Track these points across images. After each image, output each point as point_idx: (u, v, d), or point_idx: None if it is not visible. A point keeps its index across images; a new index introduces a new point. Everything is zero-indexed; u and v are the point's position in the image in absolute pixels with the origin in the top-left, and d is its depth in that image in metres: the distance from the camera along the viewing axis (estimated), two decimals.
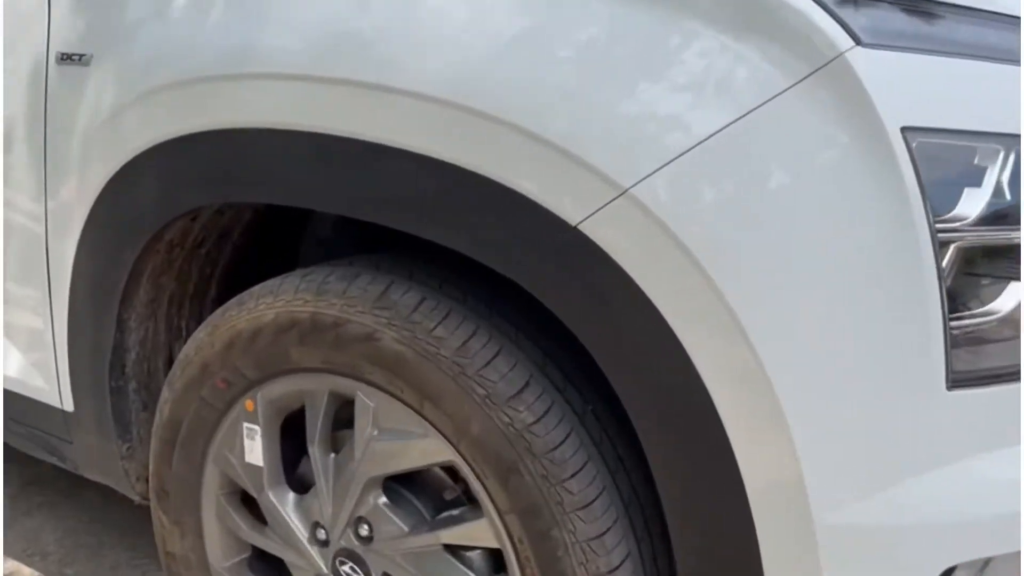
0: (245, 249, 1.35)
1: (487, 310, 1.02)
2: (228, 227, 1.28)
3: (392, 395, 1.02)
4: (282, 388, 1.12)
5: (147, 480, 1.37)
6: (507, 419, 0.94)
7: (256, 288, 1.12)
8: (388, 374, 1.01)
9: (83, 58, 1.17)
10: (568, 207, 0.84)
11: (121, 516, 1.90)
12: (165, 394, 1.21)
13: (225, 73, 1.02)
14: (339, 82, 0.94)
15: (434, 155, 0.89)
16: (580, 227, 0.84)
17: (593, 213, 0.82)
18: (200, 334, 1.17)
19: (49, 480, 2.05)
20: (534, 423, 0.93)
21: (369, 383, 1.03)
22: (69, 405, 1.35)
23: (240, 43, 1.01)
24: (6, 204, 1.32)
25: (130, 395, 1.33)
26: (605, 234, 0.83)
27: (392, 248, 1.31)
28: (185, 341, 1.38)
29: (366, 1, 0.98)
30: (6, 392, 1.43)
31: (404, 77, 0.91)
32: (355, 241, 1.47)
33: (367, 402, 1.05)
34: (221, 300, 1.39)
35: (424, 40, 0.92)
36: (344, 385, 1.07)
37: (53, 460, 1.47)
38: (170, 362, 1.37)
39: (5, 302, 1.38)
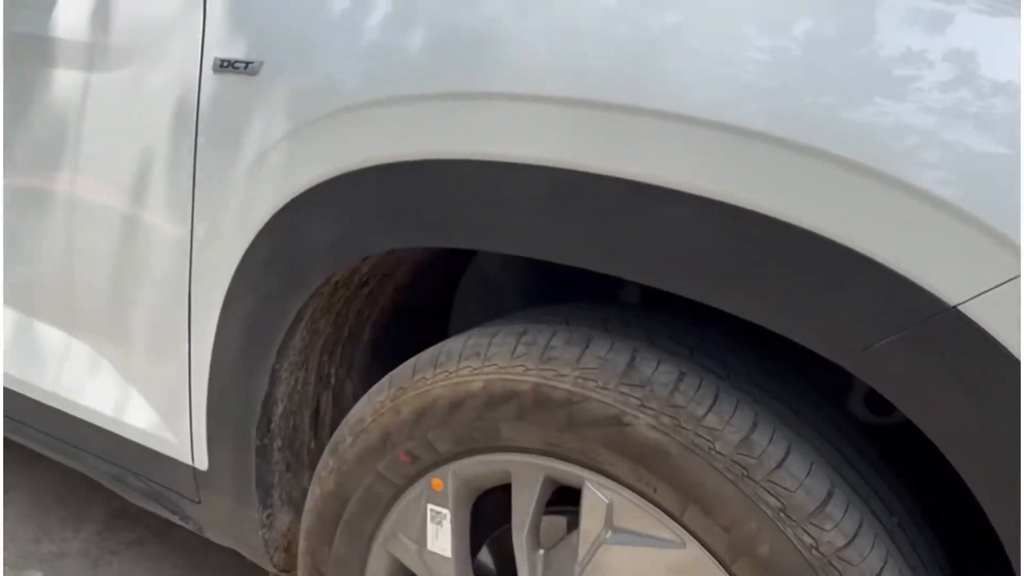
0: (406, 289, 1.17)
1: (756, 391, 0.83)
2: (394, 265, 1.10)
3: (639, 492, 0.83)
4: (481, 467, 0.94)
5: (287, 550, 1.19)
6: (810, 540, 0.74)
7: (453, 346, 0.94)
8: (637, 467, 0.81)
9: (250, 66, 0.98)
10: (947, 283, 0.64)
11: (220, 561, 1.73)
12: (329, 463, 1.03)
13: (461, 91, 0.83)
14: (623, 109, 0.74)
15: (748, 206, 0.70)
16: (961, 308, 0.64)
17: (985, 292, 0.63)
18: (380, 397, 0.98)
19: (137, 515, 1.89)
20: (845, 546, 0.74)
21: (606, 474, 0.84)
22: (202, 463, 1.17)
23: (494, 57, 0.82)
24: (140, 233, 1.14)
25: (274, 454, 1.15)
26: (992, 315, 0.63)
27: (583, 294, 1.12)
28: (333, 391, 1.20)
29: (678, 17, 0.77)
30: (122, 439, 1.25)
31: (709, 105, 0.72)
32: (524, 282, 1.29)
33: (600, 496, 0.85)
34: (373, 345, 1.21)
35: (740, 61, 0.72)
36: (567, 472, 0.88)
37: (172, 518, 1.30)
38: (316, 416, 1.19)
39: (129, 343, 1.20)
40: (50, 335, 1.30)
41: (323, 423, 1.21)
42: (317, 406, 1.19)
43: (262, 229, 1.00)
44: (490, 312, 1.29)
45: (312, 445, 1.20)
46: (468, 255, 1.21)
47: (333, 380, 1.19)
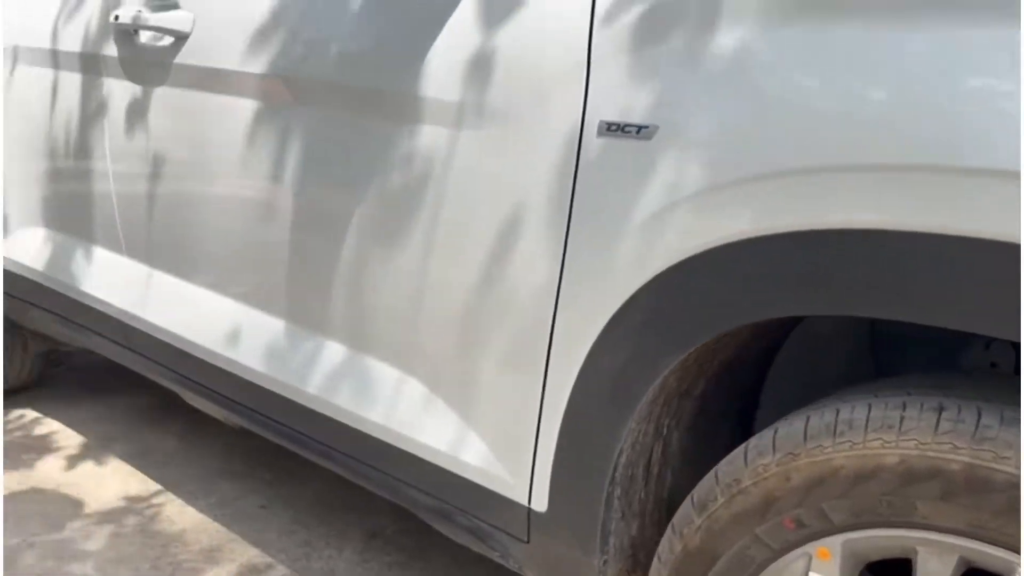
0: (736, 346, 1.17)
1: None
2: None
3: None
4: (879, 541, 0.92)
5: None
6: None
7: (855, 416, 0.93)
8: None
9: (643, 130, 1.01)
10: None
11: None
12: (695, 520, 1.04)
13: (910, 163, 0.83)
14: None
15: None
16: None
17: None
18: (762, 460, 0.98)
19: (392, 536, 1.97)
20: None
21: None
22: (540, 505, 1.20)
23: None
24: (500, 283, 1.19)
25: (614, 502, 1.17)
26: None
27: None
28: (664, 442, 1.22)
29: None
30: (452, 475, 1.30)
31: None
32: (855, 349, 1.27)
33: None
34: (701, 399, 1.22)
35: None
36: (992, 556, 0.85)
37: (487, 551, 1.34)
38: (648, 466, 1.21)
39: (474, 385, 1.25)
40: (383, 370, 1.38)
41: (652, 473, 1.22)
42: (650, 456, 1.20)
43: (641, 289, 1.03)
44: (807, 378, 1.29)
45: (643, 495, 1.22)
46: (793, 323, 1.20)
47: (665, 431, 1.21)
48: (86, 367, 2.86)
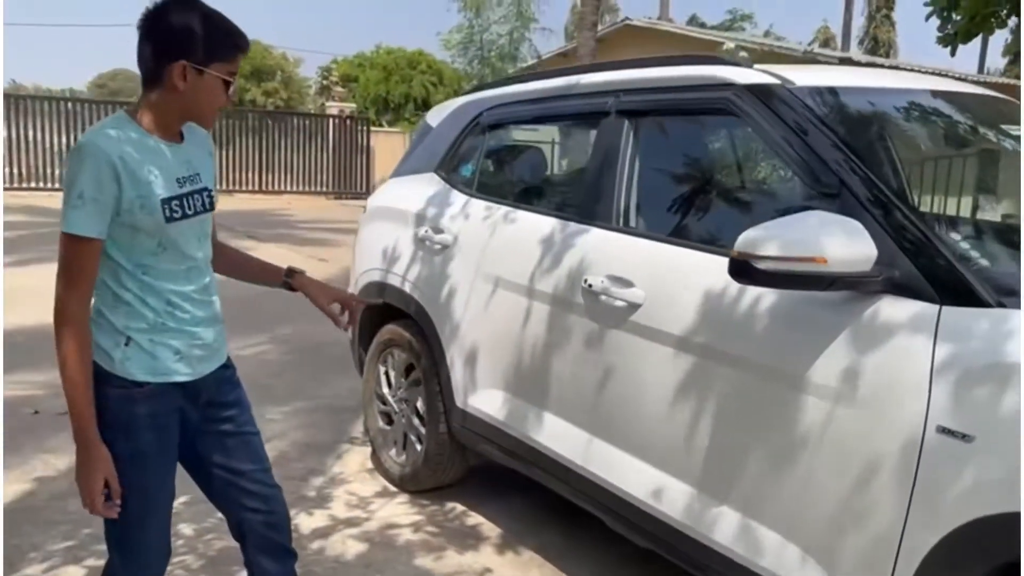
0: None
1: None
2: None
3: None
4: None
5: None
6: None
7: None
8: None
9: (965, 437, 1.82)
10: None
11: None
12: None
13: None
14: None
15: None
16: None
17: None
18: None
19: None
20: None
21: None
22: None
23: None
24: (852, 506, 2.02)
25: None
26: None
27: None
28: None
29: None
30: None
31: None
32: None
33: None
34: None
35: None
36: None
37: None
38: None
39: (839, 556, 2.09)
40: (770, 534, 2.23)
41: None
42: None
43: (958, 528, 1.82)
44: None
45: None
46: None
47: None
48: (489, 468, 3.95)
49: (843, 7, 31.62)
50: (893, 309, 2.02)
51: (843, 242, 2.02)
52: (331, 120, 21.64)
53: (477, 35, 21.75)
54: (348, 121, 21.59)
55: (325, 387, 5.28)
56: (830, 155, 2.28)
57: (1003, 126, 2.84)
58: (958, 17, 6.22)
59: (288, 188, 20.79)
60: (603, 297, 2.72)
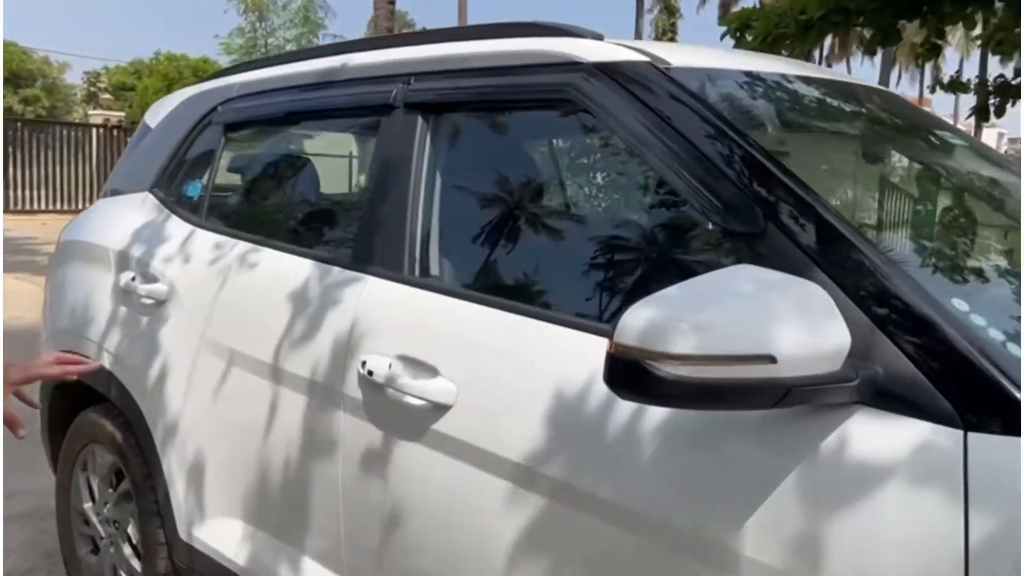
0: None
1: None
2: None
3: None
4: None
5: None
6: None
7: None
8: None
9: None
10: None
11: None
12: None
13: None
14: None
15: None
16: None
17: None
18: None
19: None
20: None
21: None
22: None
23: None
24: None
25: None
26: None
27: None
28: None
29: None
30: None
31: None
32: None
33: None
34: None
35: None
36: None
37: None
38: None
39: None
40: None
41: None
42: None
43: None
44: None
45: None
46: None
47: None
48: None
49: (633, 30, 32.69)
50: (879, 434, 1.18)
51: (799, 325, 1.15)
52: (95, 130, 19.15)
53: (262, 39, 20.22)
54: (115, 131, 19.20)
55: (35, 476, 3.81)
56: (744, 169, 1.42)
57: (937, 130, 2.13)
58: (750, 38, 6.57)
59: (46, 207, 18.11)
60: (390, 391, 1.72)
